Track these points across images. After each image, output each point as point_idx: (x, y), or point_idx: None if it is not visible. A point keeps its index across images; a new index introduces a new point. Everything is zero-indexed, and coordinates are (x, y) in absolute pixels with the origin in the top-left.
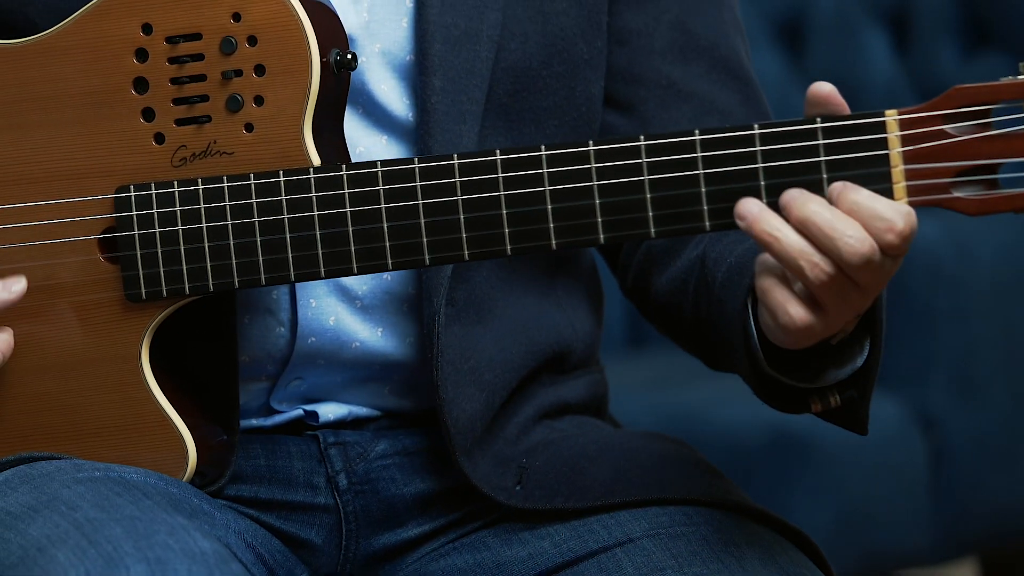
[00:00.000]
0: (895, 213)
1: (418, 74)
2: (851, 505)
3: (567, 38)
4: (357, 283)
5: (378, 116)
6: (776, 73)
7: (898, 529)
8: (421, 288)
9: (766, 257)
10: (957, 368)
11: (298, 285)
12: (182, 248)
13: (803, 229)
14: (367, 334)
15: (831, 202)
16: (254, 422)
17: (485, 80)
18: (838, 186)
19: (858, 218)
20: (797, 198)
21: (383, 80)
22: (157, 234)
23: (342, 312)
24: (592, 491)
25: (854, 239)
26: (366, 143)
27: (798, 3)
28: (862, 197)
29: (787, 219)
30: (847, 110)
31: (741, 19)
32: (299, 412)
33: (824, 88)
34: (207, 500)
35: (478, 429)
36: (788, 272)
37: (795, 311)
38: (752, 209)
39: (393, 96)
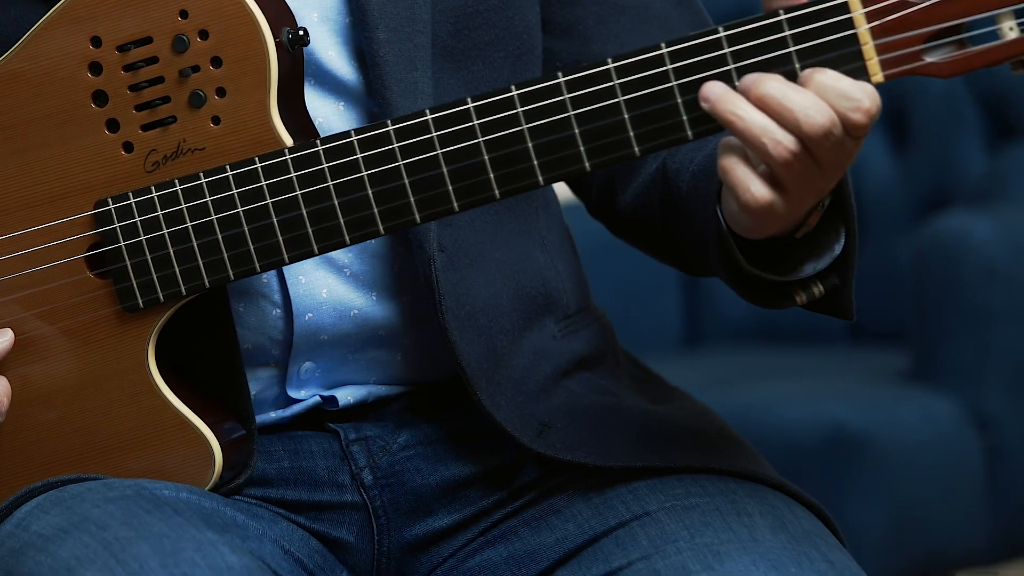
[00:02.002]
0: (861, 92)
1: (361, 31)
2: (906, 505)
3: None
4: (342, 252)
5: (330, 84)
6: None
7: (953, 529)
8: (409, 245)
9: (729, 139)
10: (1013, 367)
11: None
12: (171, 251)
13: (763, 106)
14: (362, 301)
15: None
16: (273, 415)
17: (428, 25)
18: (806, 72)
19: (826, 98)
20: (756, 78)
21: (329, 47)
22: (144, 241)
23: (333, 283)
24: (613, 454)
25: (812, 110)
26: (323, 112)
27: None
28: (827, 78)
29: (746, 94)
30: None
31: None
32: (316, 399)
33: None
34: (242, 510)
35: (490, 371)
36: (750, 152)
37: (757, 189)
38: (715, 91)
39: (341, 62)
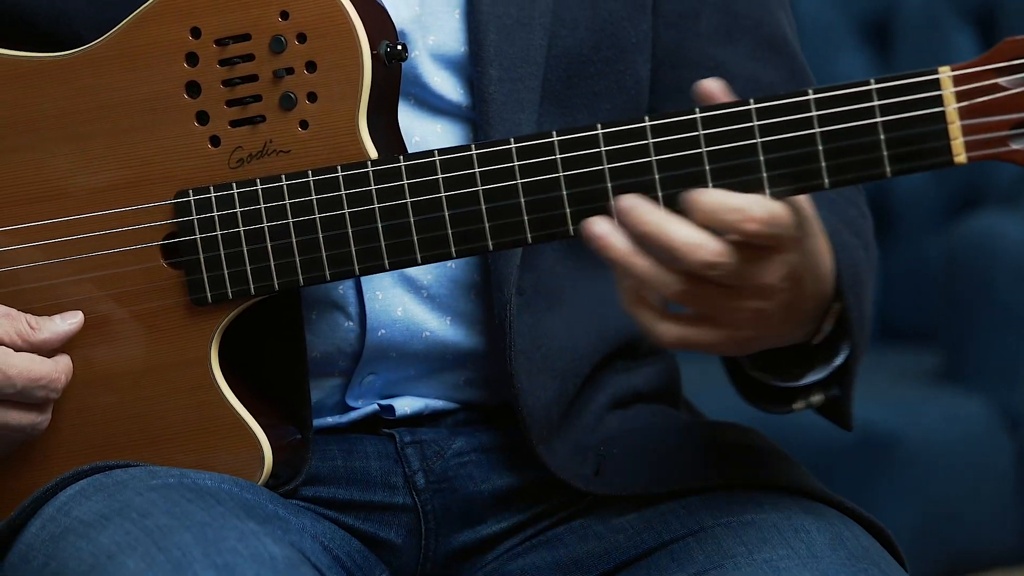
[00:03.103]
0: (747, 202)
1: (473, 65)
2: (937, 505)
3: (615, 22)
4: (422, 272)
5: (432, 105)
6: (864, 74)
7: (984, 529)
8: (489, 276)
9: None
10: None
11: (363, 278)
12: (245, 249)
13: (647, 244)
14: (436, 324)
15: (688, 213)
16: (330, 420)
17: (540, 67)
18: (693, 193)
19: (714, 218)
20: (631, 208)
21: (435, 72)
22: (219, 237)
23: (409, 303)
24: (669, 478)
25: (692, 246)
26: (421, 132)
27: (886, 3)
28: (712, 196)
29: (630, 230)
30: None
31: (825, 18)
32: (374, 407)
33: (711, 85)
34: (283, 505)
35: (554, 417)
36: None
37: (662, 329)
38: (600, 230)
39: (447, 87)
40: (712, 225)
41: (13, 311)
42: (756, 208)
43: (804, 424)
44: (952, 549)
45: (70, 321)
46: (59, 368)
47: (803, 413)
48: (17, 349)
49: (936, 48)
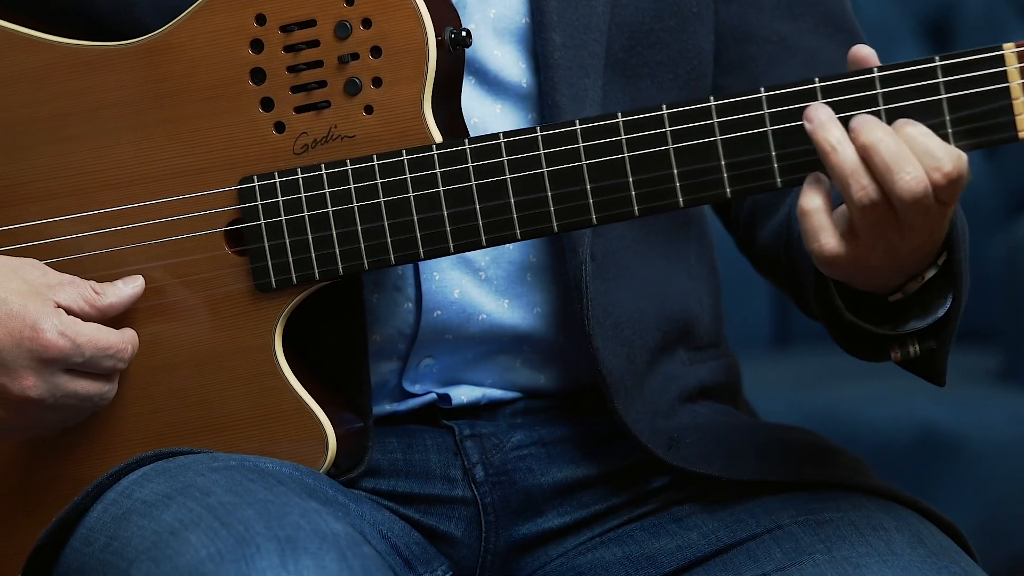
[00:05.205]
0: (945, 154)
1: (536, 33)
2: (998, 505)
3: None
4: (480, 254)
5: (491, 85)
6: None
7: None
8: (553, 252)
9: (816, 177)
10: None
11: None
12: (309, 235)
13: (865, 154)
14: (492, 306)
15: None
16: (388, 407)
17: (603, 34)
18: (900, 121)
19: (912, 151)
20: (866, 124)
21: (496, 46)
22: (284, 222)
23: (466, 284)
24: (746, 468)
25: (912, 176)
26: (480, 113)
27: (946, 1)
28: (917, 132)
29: (853, 140)
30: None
31: (884, 16)
32: (432, 396)
33: (863, 51)
34: (343, 492)
35: (628, 383)
36: (835, 187)
37: (827, 240)
38: (820, 115)
39: (507, 62)
40: None
41: (77, 278)
42: (948, 163)
43: (865, 424)
44: (1013, 549)
45: (132, 285)
46: (126, 338)
47: (863, 415)
48: (84, 316)
49: None
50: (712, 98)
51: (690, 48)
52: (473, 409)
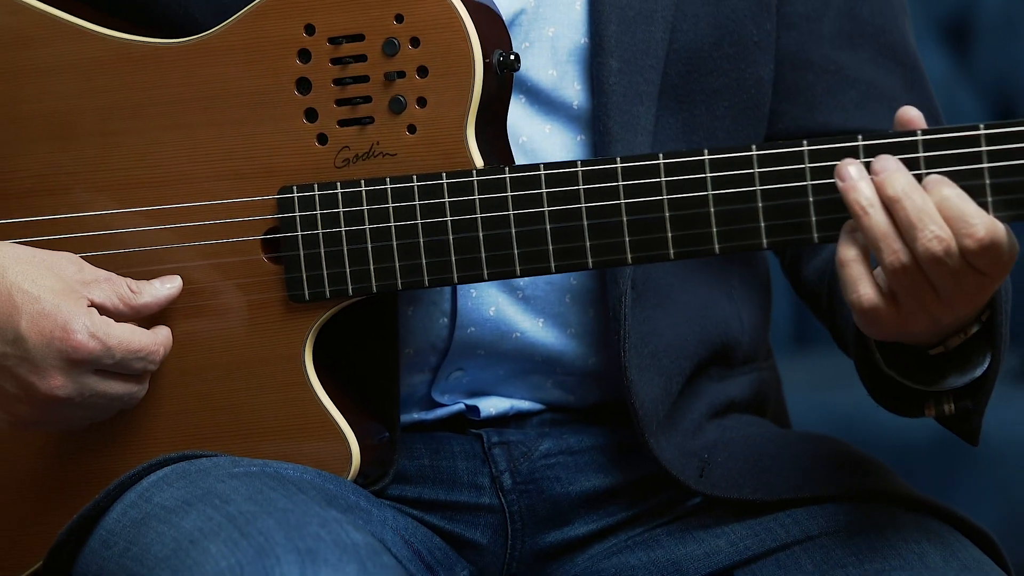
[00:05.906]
0: (980, 220)
1: (593, 56)
2: (1018, 506)
3: (738, 20)
4: None
5: (543, 104)
6: (942, 73)
7: None
8: (599, 273)
9: (853, 225)
10: None
11: None
12: (345, 249)
13: (891, 207)
14: (528, 325)
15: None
16: (416, 416)
17: (660, 61)
18: (935, 178)
19: (944, 214)
20: (888, 168)
21: (551, 66)
22: (320, 235)
23: (503, 302)
24: (777, 486)
25: (934, 234)
26: (528, 132)
27: (965, 3)
28: (953, 193)
29: (877, 189)
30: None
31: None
32: (460, 407)
33: (910, 112)
34: (365, 497)
35: (660, 414)
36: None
37: (865, 291)
38: (851, 173)
39: (563, 82)
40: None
41: (114, 275)
42: (981, 229)
43: (884, 425)
44: None
45: (169, 285)
46: (158, 340)
47: (882, 414)
48: (119, 314)
49: (1014, 49)
50: (754, 147)
51: (748, 76)
52: (501, 419)
